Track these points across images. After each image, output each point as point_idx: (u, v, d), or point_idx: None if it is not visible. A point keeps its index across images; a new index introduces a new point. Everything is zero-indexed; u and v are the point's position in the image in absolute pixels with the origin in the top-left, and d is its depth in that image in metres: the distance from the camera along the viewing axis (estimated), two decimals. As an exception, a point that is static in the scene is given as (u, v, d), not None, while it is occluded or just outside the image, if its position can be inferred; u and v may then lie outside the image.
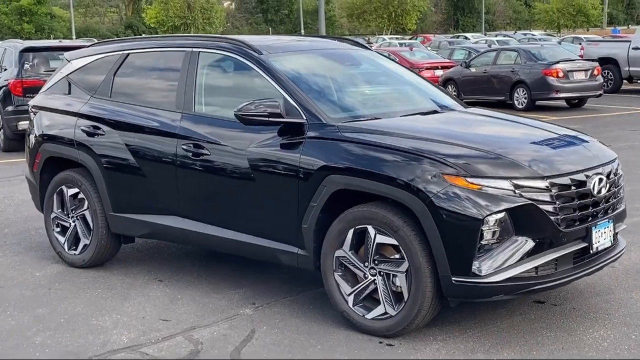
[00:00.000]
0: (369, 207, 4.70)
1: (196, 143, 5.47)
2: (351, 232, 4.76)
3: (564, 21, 65.79)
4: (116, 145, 5.96)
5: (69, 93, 6.57)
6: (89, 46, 6.91)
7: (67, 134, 6.32)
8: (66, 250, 6.44)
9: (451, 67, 23.10)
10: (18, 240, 7.39)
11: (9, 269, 6.47)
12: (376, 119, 5.19)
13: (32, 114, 6.87)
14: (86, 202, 6.25)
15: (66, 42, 15.22)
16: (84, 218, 6.34)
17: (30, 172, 6.79)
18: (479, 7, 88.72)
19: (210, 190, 5.49)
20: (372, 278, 4.72)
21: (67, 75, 6.66)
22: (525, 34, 53.32)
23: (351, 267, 4.82)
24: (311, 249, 4.96)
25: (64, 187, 6.40)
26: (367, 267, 4.73)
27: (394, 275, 4.64)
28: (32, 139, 6.74)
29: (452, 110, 5.71)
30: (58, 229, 6.53)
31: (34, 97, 7.07)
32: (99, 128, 6.09)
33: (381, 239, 4.64)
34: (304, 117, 5.04)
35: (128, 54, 6.27)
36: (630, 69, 23.24)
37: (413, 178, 4.46)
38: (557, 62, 19.01)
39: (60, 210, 6.50)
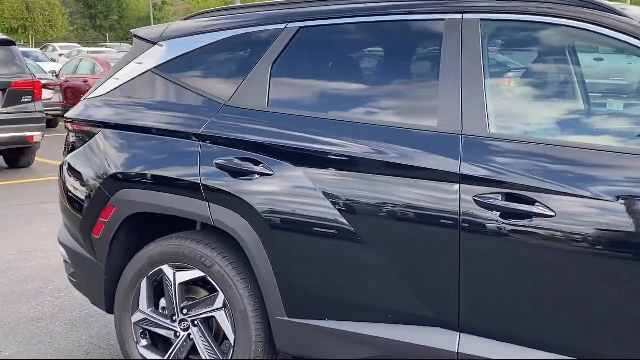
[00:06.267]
0: None
1: (515, 194, 2.83)
2: None
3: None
4: (302, 193, 3.21)
5: (167, 98, 3.70)
6: (191, 17, 4.00)
7: (181, 173, 3.46)
8: (168, 381, 3.57)
9: None
10: (34, 348, 4.34)
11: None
12: None
13: (77, 135, 3.90)
14: (221, 296, 3.42)
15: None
16: (208, 324, 3.51)
17: (80, 239, 3.78)
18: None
19: (551, 286, 2.83)
20: None
21: (155, 68, 3.75)
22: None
23: None
24: None
25: (166, 268, 3.52)
26: None
27: None
28: (82, 178, 3.77)
29: None
30: (146, 343, 3.64)
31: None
32: (257, 163, 3.29)
33: None
34: None
35: (299, 28, 3.48)
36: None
37: None
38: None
39: (153, 308, 3.62)
